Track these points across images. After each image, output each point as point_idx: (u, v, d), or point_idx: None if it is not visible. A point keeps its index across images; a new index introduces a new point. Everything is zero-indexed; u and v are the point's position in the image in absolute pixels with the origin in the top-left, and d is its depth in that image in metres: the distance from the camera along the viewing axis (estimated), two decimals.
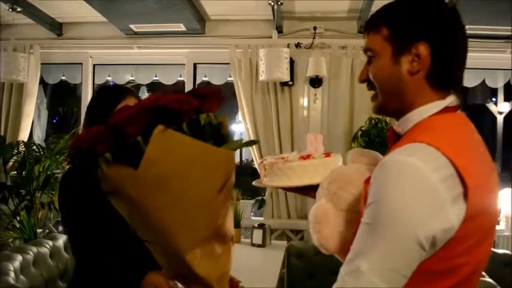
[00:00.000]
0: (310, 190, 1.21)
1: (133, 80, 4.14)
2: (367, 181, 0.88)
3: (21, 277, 2.36)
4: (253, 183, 1.34)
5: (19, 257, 2.39)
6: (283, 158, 1.23)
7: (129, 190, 0.87)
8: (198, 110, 0.93)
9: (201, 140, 0.89)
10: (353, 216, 0.99)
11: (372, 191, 0.83)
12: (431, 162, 0.78)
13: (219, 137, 0.96)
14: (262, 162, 1.25)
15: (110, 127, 0.88)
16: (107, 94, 1.63)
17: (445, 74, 0.91)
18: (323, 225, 1.03)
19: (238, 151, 8.75)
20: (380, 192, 0.80)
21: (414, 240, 0.76)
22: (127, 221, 0.94)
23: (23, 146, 3.29)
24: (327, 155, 1.22)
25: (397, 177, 0.79)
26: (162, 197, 0.87)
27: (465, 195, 0.78)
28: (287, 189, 1.26)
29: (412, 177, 0.78)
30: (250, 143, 1.04)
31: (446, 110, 0.90)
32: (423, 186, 0.77)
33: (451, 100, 0.91)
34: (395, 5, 0.95)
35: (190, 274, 0.97)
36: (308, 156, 1.19)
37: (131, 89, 1.68)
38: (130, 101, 1.55)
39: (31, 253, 2.50)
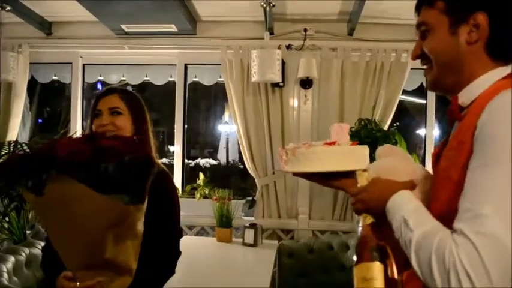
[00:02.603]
0: (333, 179, 1.18)
1: (124, 80, 4.12)
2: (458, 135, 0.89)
3: (14, 278, 2.35)
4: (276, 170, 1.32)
5: (12, 258, 2.38)
6: (305, 144, 1.17)
7: (35, 209, 1.19)
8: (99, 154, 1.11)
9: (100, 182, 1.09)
10: None
11: (485, 131, 0.81)
12: None
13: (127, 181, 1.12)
14: (283, 148, 1.20)
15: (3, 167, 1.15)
16: (95, 97, 1.67)
17: (505, 44, 0.92)
18: None
19: (224, 151, 8.75)
20: (499, 129, 0.79)
21: None
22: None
23: (12, 146, 3.25)
24: (353, 143, 1.17)
25: None
26: (55, 223, 1.10)
27: None
28: (309, 177, 1.20)
29: None
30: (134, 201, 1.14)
31: (511, 76, 0.92)
32: None
33: None
34: None
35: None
36: (333, 143, 1.15)
37: (113, 89, 1.68)
38: (108, 99, 1.59)
39: (23, 254, 2.49)
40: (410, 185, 1.02)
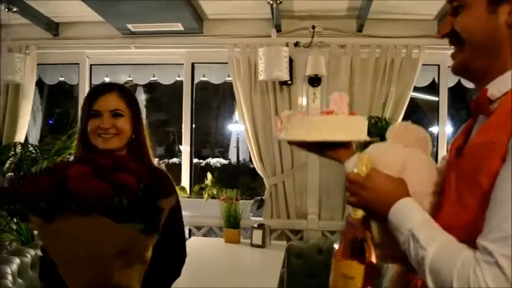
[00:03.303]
0: (328, 149, 1.14)
1: (131, 80, 4.11)
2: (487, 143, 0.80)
3: (19, 280, 2.34)
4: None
5: (17, 260, 2.37)
6: (302, 113, 1.14)
7: (40, 234, 1.13)
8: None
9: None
10: None
11: None
12: None
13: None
14: (279, 115, 1.16)
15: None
16: (87, 96, 1.56)
17: None
18: None
19: (235, 151, 8.75)
20: None
21: None
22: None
23: (19, 147, 3.26)
24: (352, 114, 1.14)
25: None
26: (61, 249, 1.09)
27: None
28: (304, 146, 1.16)
29: None
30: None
31: None
32: None
33: None
34: None
35: None
36: (330, 112, 1.11)
37: (112, 86, 1.58)
38: (109, 99, 1.50)
39: (29, 256, 2.48)
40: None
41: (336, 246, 0.97)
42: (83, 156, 1.47)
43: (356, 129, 1.12)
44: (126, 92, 1.57)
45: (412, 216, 0.89)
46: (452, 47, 0.93)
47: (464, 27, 0.87)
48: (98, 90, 1.54)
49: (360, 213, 0.97)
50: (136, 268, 1.17)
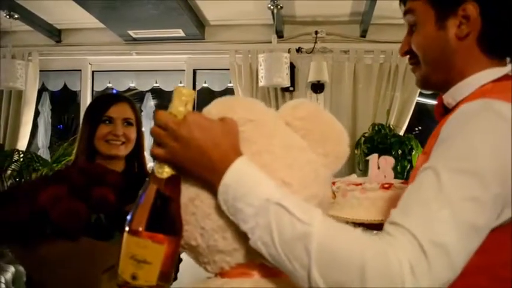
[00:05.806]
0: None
1: (134, 86, 4.10)
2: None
3: None
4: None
5: (11, 269, 2.36)
6: (358, 185, 0.99)
7: (24, 262, 1.20)
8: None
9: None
10: None
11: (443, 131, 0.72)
12: None
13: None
14: (333, 183, 1.00)
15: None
16: (96, 103, 1.61)
17: (499, 38, 0.82)
18: None
19: None
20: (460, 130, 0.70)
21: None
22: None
23: (18, 155, 3.25)
24: (405, 182, 0.99)
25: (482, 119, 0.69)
26: (46, 274, 1.11)
27: None
28: (363, 224, 0.98)
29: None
30: None
31: (506, 78, 0.81)
32: None
33: (510, 69, 0.83)
34: None
35: None
36: (390, 186, 0.98)
37: (123, 97, 1.65)
38: (122, 108, 1.53)
39: None
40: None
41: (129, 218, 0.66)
42: (67, 169, 1.45)
43: None
44: (134, 103, 1.62)
45: (263, 182, 0.66)
46: (411, 64, 0.93)
47: (417, 44, 0.88)
48: (111, 98, 1.60)
49: (167, 171, 0.68)
50: None
